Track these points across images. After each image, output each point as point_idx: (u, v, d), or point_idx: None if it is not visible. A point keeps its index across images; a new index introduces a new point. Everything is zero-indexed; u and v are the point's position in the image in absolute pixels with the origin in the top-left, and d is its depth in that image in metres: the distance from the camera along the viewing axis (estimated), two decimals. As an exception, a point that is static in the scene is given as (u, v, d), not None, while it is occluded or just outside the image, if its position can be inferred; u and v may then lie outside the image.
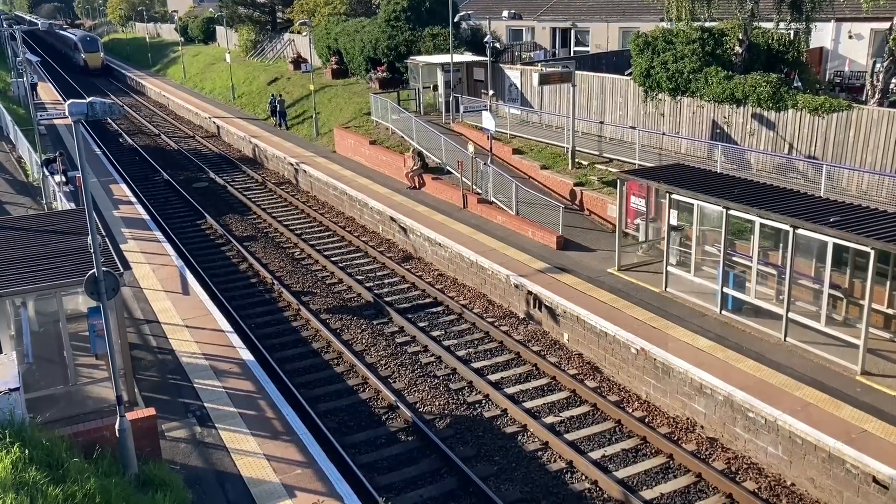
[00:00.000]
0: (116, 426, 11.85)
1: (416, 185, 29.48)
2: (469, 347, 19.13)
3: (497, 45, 35.92)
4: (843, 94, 27.58)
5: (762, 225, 16.21)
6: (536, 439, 15.32)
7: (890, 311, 15.77)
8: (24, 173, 33.19)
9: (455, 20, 33.55)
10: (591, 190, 24.97)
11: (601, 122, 29.17)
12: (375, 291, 22.48)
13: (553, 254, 21.87)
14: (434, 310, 21.36)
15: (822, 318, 15.59)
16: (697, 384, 15.14)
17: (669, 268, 18.85)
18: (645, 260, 20.89)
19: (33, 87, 46.16)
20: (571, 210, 24.74)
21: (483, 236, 23.71)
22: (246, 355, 16.77)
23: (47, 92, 59.07)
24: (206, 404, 14.80)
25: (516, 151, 29.11)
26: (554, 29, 47.06)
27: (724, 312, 17.43)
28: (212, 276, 23.96)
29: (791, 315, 15.95)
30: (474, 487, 13.68)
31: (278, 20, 62.82)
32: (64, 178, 28.35)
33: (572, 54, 43.18)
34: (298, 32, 54.33)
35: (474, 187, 27.08)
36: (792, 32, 27.09)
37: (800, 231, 15.33)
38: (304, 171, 34.08)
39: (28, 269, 14.49)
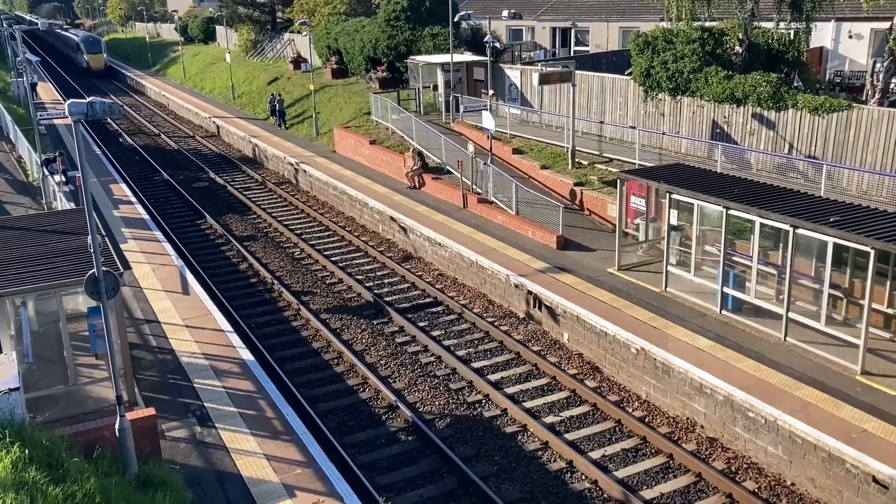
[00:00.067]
0: (116, 426, 11.86)
1: (416, 184, 29.48)
2: (469, 347, 19.13)
3: (497, 44, 35.90)
4: (843, 94, 27.55)
5: (762, 225, 16.21)
6: (536, 439, 15.32)
7: (890, 311, 15.77)
8: (24, 173, 33.19)
9: (455, 20, 33.55)
10: (591, 190, 24.97)
11: (601, 122, 29.17)
12: (375, 291, 22.48)
13: (553, 253, 21.87)
14: (434, 309, 21.36)
15: (822, 318, 15.59)
16: (697, 384, 15.14)
17: (669, 267, 18.85)
18: (645, 260, 20.89)
19: (33, 86, 46.14)
20: (571, 210, 24.74)
21: (483, 236, 23.71)
22: (246, 355, 16.77)
23: (47, 92, 59.04)
24: (206, 404, 14.81)
25: (516, 151, 29.11)
26: (554, 29, 47.04)
27: (724, 312, 17.43)
28: (212, 275, 23.96)
29: (791, 315, 15.96)
30: (474, 487, 13.69)
31: (278, 20, 62.81)
32: (64, 178, 28.33)
33: (572, 54, 43.19)
34: (298, 32, 54.33)
35: (474, 187, 27.07)
36: (792, 32, 27.06)
37: (800, 231, 15.33)
38: (304, 171, 34.08)
39: (28, 268, 14.48)
